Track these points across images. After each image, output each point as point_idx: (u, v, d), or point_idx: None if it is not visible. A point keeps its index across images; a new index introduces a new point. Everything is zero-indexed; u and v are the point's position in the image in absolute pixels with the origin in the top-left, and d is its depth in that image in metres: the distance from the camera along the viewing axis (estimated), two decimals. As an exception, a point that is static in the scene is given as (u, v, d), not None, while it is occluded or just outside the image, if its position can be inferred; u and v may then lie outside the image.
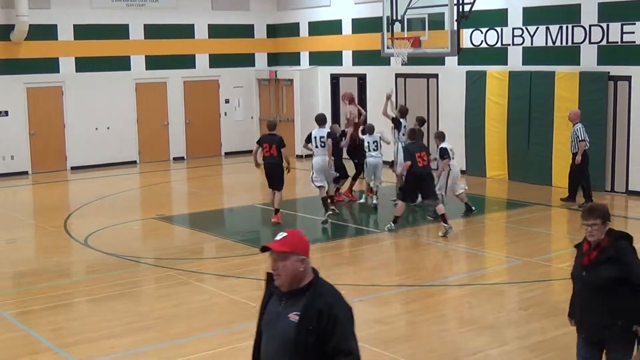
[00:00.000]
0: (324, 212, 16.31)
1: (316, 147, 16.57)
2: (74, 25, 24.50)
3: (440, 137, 16.52)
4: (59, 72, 24.42)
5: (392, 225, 15.43)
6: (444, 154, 16.04)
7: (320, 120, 16.95)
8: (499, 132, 20.80)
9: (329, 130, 16.90)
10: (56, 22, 24.25)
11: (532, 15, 20.08)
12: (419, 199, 16.42)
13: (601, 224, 6.47)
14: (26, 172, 23.82)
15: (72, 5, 24.35)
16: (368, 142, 17.43)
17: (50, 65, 24.24)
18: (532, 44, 20.13)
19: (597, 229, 6.46)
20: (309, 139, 16.81)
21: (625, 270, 6.35)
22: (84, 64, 24.70)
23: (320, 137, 16.54)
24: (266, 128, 16.73)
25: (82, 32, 24.64)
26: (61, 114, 24.38)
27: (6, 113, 23.64)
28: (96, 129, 24.79)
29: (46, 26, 23.98)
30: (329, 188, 16.79)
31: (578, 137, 17.05)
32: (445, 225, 14.92)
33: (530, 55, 20.21)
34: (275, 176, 16.27)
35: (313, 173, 16.58)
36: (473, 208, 16.77)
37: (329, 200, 16.62)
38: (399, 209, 15.49)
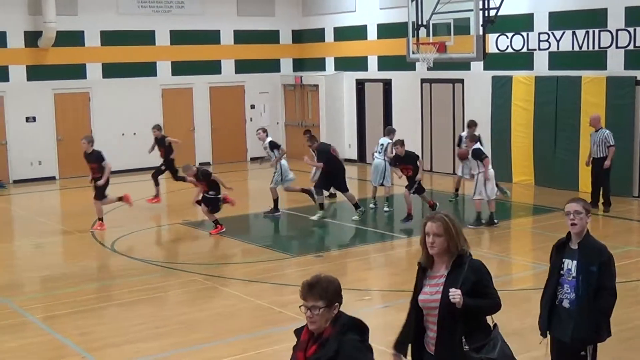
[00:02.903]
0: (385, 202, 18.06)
1: (375, 151, 18.32)
2: (100, 31, 24.70)
3: (473, 139, 16.63)
4: (86, 78, 24.62)
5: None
6: (480, 154, 16.15)
7: (387, 131, 18.78)
8: (525, 137, 20.71)
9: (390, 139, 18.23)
10: (83, 29, 24.46)
11: (558, 20, 19.99)
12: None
13: (325, 308, 4.82)
14: (54, 178, 24.00)
15: (99, 11, 24.54)
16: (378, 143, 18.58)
17: (77, 72, 24.43)
18: (558, 48, 20.03)
19: (320, 315, 4.81)
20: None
21: None
22: (111, 70, 24.88)
23: (381, 144, 18.22)
24: None
25: (109, 38, 24.82)
26: (88, 120, 24.56)
27: (34, 119, 23.87)
28: (123, 134, 24.95)
29: (73, 32, 24.18)
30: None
31: (608, 142, 16.96)
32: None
33: (557, 60, 20.11)
34: None
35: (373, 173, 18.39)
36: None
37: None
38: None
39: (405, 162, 16.80)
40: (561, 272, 6.69)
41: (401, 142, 16.81)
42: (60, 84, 24.06)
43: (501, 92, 21.21)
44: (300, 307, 4.86)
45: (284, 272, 13.11)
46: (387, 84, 25.27)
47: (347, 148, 26.76)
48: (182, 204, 19.25)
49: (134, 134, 25.13)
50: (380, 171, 18.00)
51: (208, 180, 16.41)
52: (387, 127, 19.68)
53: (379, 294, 12.00)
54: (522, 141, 20.79)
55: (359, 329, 4.90)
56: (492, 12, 17.95)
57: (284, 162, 18.42)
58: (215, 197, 16.42)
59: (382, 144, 18.12)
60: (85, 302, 11.81)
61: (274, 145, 18.50)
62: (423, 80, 23.67)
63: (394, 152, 17.20)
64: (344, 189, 17.56)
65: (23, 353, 9.82)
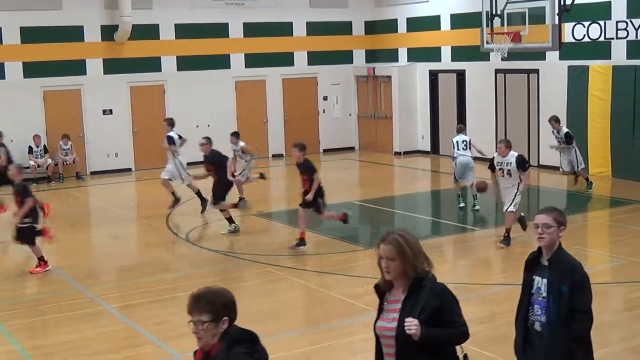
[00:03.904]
0: (473, 200, 17.16)
1: (458, 149, 17.37)
2: (175, 24, 25.00)
3: (507, 146, 14.43)
4: (160, 70, 24.95)
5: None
6: (523, 163, 13.89)
7: (460, 129, 18.10)
8: (602, 128, 20.31)
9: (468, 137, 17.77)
10: (158, 22, 24.78)
11: (636, 8, 19.52)
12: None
13: (210, 323, 4.51)
14: (130, 169, 24.39)
15: (174, 5, 24.83)
16: (457, 141, 17.48)
17: (152, 64, 24.77)
18: (636, 37, 19.57)
19: (205, 330, 4.52)
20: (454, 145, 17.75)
21: None
22: (185, 63, 25.16)
23: (463, 141, 17.41)
24: None
25: (183, 31, 25.10)
26: (163, 112, 24.84)
27: (110, 111, 24.30)
28: (197, 126, 25.15)
29: (148, 26, 24.51)
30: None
31: None
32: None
33: (635, 49, 19.66)
34: None
35: (455, 172, 17.38)
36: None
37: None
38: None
39: (302, 170, 14.31)
40: (532, 290, 5.97)
41: (300, 146, 14.31)
42: (135, 76, 24.44)
43: (577, 82, 20.84)
44: (188, 322, 4.50)
45: (356, 264, 13.09)
46: (460, 75, 25.04)
47: (420, 139, 26.63)
48: (256, 195, 19.37)
49: (208, 125, 25.34)
50: (470, 168, 17.24)
51: (24, 198, 12.82)
52: (457, 125, 18.92)
53: (452, 286, 11.88)
54: (599, 132, 20.39)
55: (248, 341, 4.53)
56: (568, 1, 17.62)
57: (181, 158, 18.20)
58: (30, 226, 12.98)
59: (464, 141, 17.41)
60: (160, 292, 11.96)
61: (170, 140, 18.19)
62: (497, 71, 23.40)
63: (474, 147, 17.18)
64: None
65: (99, 341, 10.00)
